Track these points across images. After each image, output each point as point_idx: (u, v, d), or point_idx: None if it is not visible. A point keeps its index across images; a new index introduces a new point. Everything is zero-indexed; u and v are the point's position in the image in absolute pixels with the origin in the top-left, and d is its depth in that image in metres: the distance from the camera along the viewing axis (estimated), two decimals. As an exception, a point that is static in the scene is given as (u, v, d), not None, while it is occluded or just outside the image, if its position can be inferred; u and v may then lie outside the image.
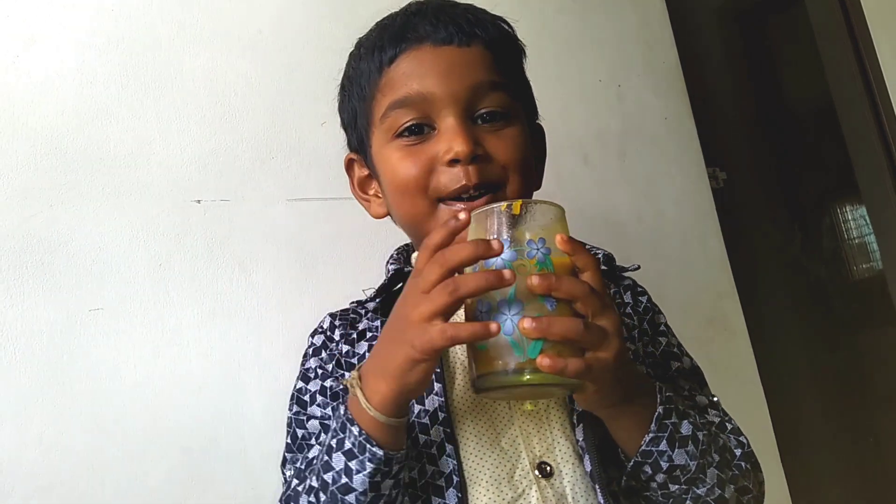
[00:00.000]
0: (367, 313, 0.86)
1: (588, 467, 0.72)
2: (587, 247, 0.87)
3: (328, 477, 0.67)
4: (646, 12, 1.74)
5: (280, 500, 0.78)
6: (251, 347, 1.11)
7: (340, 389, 0.81)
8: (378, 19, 0.87)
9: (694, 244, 1.63)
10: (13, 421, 0.96)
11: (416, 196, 0.79)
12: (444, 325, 0.60)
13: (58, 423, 0.98)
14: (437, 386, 0.76)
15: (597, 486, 0.71)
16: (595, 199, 1.53)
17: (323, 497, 0.68)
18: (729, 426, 0.78)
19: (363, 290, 0.90)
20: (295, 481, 0.76)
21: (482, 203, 0.76)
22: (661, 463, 0.68)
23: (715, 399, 0.83)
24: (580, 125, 1.55)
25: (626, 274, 0.89)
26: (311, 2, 1.30)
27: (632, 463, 0.69)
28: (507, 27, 0.87)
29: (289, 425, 0.83)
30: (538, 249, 0.62)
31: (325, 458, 0.68)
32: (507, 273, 0.60)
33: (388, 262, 0.89)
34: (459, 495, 0.71)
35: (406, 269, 0.85)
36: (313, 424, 0.81)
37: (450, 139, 0.76)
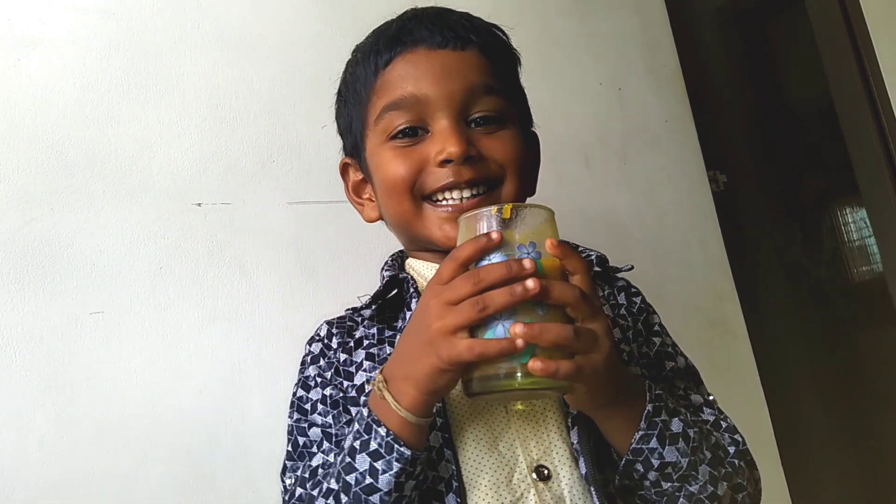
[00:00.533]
0: (363, 321, 0.86)
1: (583, 470, 0.73)
2: (580, 249, 0.87)
3: (350, 478, 0.68)
4: (646, 15, 1.74)
5: None
6: (252, 350, 1.11)
7: (350, 394, 0.81)
8: (379, 23, 0.88)
9: (694, 246, 1.63)
10: (14, 423, 0.96)
11: (403, 195, 0.80)
12: (471, 342, 0.61)
13: (58, 426, 0.98)
14: None
15: (592, 489, 0.71)
16: (596, 202, 1.53)
17: (345, 499, 0.68)
18: (724, 424, 0.78)
19: (358, 297, 0.90)
20: (299, 490, 0.76)
21: (475, 203, 0.77)
22: (653, 460, 0.68)
23: (710, 398, 0.83)
24: (581, 128, 1.55)
25: (620, 275, 0.90)
26: (312, 6, 1.30)
27: (623, 461, 0.70)
28: (502, 35, 0.87)
29: (289, 433, 0.83)
30: (529, 253, 0.63)
31: (347, 459, 0.68)
32: (530, 283, 0.60)
33: (382, 268, 0.89)
34: (459, 500, 0.72)
35: (401, 275, 0.85)
36: (315, 432, 0.81)
37: (443, 140, 0.77)
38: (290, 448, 0.82)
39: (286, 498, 0.79)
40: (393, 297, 0.86)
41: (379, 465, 0.66)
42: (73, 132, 1.07)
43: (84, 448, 0.99)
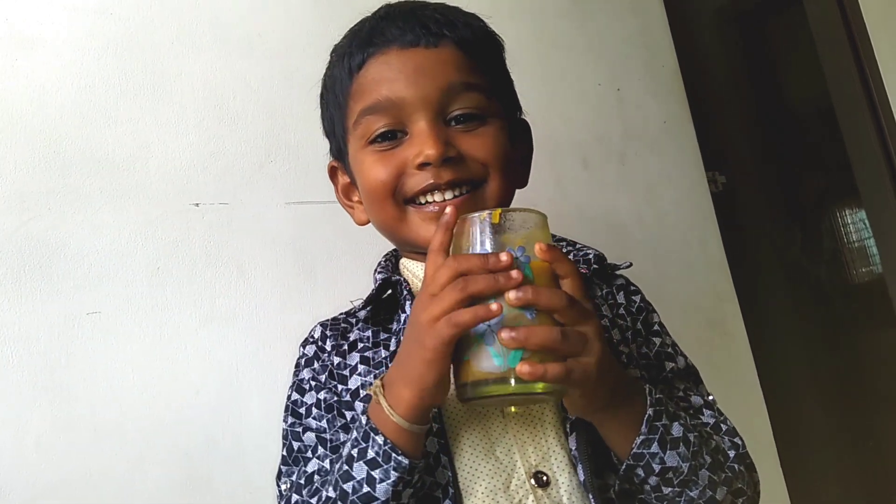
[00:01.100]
0: (357, 322, 0.85)
1: (581, 477, 0.72)
2: (578, 246, 0.86)
3: (348, 487, 0.67)
4: (645, 16, 1.74)
5: None
6: (249, 351, 1.11)
7: (348, 399, 0.80)
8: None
9: (694, 247, 1.63)
10: (11, 424, 0.96)
11: (385, 200, 0.79)
12: (447, 316, 0.61)
13: (55, 426, 0.98)
14: None
15: (590, 496, 0.71)
16: (595, 203, 1.53)
17: None
18: (724, 427, 0.78)
19: (351, 301, 0.90)
20: (295, 496, 0.76)
21: (461, 202, 0.76)
22: (654, 465, 0.68)
23: (710, 398, 0.82)
24: (580, 129, 1.55)
25: (619, 273, 0.89)
26: (309, 5, 1.30)
27: (624, 466, 0.69)
28: (480, 24, 0.85)
29: (284, 437, 0.82)
30: (518, 258, 0.63)
31: (345, 467, 0.68)
32: (514, 273, 0.61)
33: (375, 269, 0.88)
34: None
35: (393, 277, 0.84)
36: (309, 437, 0.80)
37: (420, 143, 0.75)
38: (284, 453, 0.81)
39: (281, 503, 0.78)
40: (387, 299, 0.85)
41: (376, 473, 0.66)
42: (71, 132, 1.07)
43: (81, 448, 0.99)
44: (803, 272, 1.94)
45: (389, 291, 0.85)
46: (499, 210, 0.65)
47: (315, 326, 0.89)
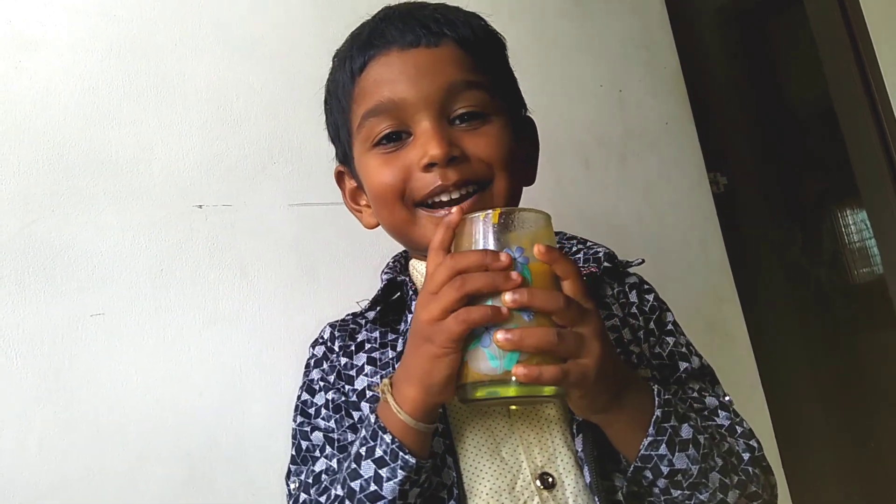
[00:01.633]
0: (366, 323, 0.85)
1: (587, 479, 0.72)
2: (588, 244, 0.86)
3: (355, 485, 0.68)
4: (646, 17, 1.74)
5: None
6: (252, 353, 1.11)
7: (356, 398, 0.80)
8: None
9: (695, 248, 1.63)
10: (14, 425, 0.96)
11: (395, 204, 0.78)
12: (456, 313, 0.61)
13: (58, 427, 0.98)
14: None
15: (596, 499, 0.70)
16: (596, 203, 1.53)
17: None
18: (739, 429, 0.77)
19: (357, 303, 0.90)
20: (303, 495, 0.76)
21: (470, 205, 0.76)
22: (662, 467, 0.67)
23: (727, 399, 0.81)
24: (581, 129, 1.55)
25: (632, 270, 0.88)
26: (313, 8, 1.30)
27: (632, 468, 0.69)
28: (481, 22, 0.84)
29: (294, 437, 0.83)
30: (517, 259, 0.63)
31: (353, 465, 0.68)
32: (514, 274, 0.61)
33: (383, 270, 0.88)
34: None
35: (398, 278, 0.84)
36: (317, 437, 0.80)
37: (424, 144, 0.75)
38: (293, 452, 0.82)
39: (290, 502, 0.79)
40: (396, 300, 0.85)
41: (384, 472, 0.66)
42: (74, 134, 1.07)
43: (84, 449, 0.99)
44: (804, 273, 1.94)
45: (398, 294, 0.85)
46: (497, 210, 0.65)
47: (325, 327, 0.89)
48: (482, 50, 0.82)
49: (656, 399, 0.69)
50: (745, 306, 1.65)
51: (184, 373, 1.06)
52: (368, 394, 0.79)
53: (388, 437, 0.66)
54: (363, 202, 0.88)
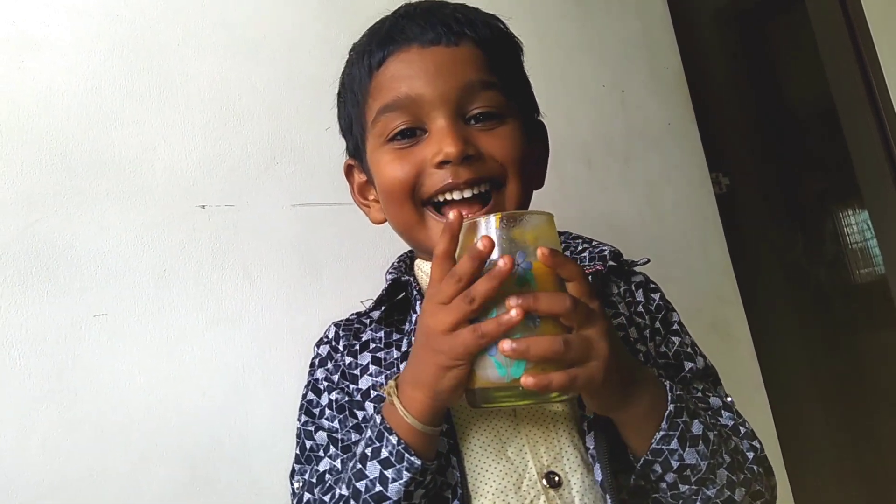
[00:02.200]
0: (370, 323, 0.85)
1: (599, 477, 0.72)
2: (594, 243, 0.86)
3: (361, 485, 0.68)
4: (649, 17, 1.74)
5: None
6: (255, 353, 1.11)
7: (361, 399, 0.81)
8: (378, 23, 0.87)
9: (697, 249, 1.63)
10: (17, 425, 0.96)
11: (404, 201, 0.79)
12: (473, 327, 0.61)
13: (61, 428, 0.98)
14: None
15: (608, 497, 0.71)
16: (598, 204, 1.53)
17: None
18: (742, 430, 0.77)
19: (361, 302, 0.90)
20: (307, 494, 0.76)
21: (479, 209, 0.76)
22: (672, 462, 0.68)
23: (729, 400, 0.82)
24: (584, 130, 1.55)
25: (639, 270, 0.88)
26: (315, 8, 1.30)
27: (641, 461, 0.69)
28: (500, 25, 0.85)
29: (298, 436, 0.83)
30: (519, 264, 0.63)
31: (358, 466, 0.68)
32: (502, 262, 0.61)
33: (387, 271, 0.88)
34: None
35: (403, 278, 0.84)
36: (321, 436, 0.80)
37: (439, 140, 0.75)
38: (297, 451, 0.82)
39: (294, 501, 0.79)
40: (400, 300, 0.85)
41: (389, 473, 0.67)
42: (77, 134, 1.07)
43: (86, 449, 0.99)
44: (805, 272, 1.94)
45: (403, 294, 0.85)
46: (499, 215, 0.65)
47: (329, 326, 0.89)
48: (500, 51, 0.82)
49: (668, 394, 0.69)
50: (747, 306, 1.65)
51: (187, 373, 1.06)
52: (373, 393, 0.79)
53: (394, 439, 0.66)
54: (371, 197, 0.88)
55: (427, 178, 0.77)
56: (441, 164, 0.75)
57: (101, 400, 1.01)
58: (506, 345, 0.60)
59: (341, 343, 0.85)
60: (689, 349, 0.85)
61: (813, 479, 1.70)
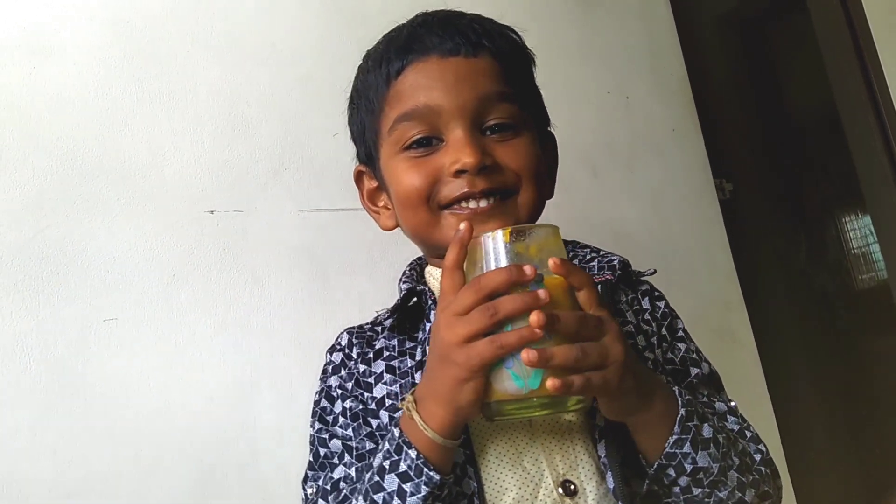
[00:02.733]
0: (383, 331, 0.86)
1: (611, 484, 0.72)
2: (602, 253, 0.87)
3: (378, 498, 0.68)
4: (653, 24, 1.75)
5: None
6: (264, 358, 1.12)
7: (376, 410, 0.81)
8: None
9: (701, 255, 1.63)
10: (28, 431, 0.96)
11: (420, 207, 0.79)
12: (490, 338, 0.62)
13: (72, 433, 0.98)
14: None
15: (620, 503, 0.71)
16: (603, 210, 1.53)
17: None
18: (748, 433, 0.78)
19: (375, 311, 0.91)
20: (321, 501, 0.76)
21: (488, 208, 0.77)
22: (685, 465, 0.68)
23: (733, 404, 0.82)
24: (588, 136, 1.56)
25: (644, 279, 0.89)
26: (323, 15, 1.30)
27: (655, 466, 0.69)
28: (515, 37, 0.86)
29: (311, 443, 0.83)
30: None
31: (376, 478, 0.69)
32: (541, 293, 0.61)
33: (400, 279, 0.88)
34: None
35: (418, 287, 0.84)
36: (336, 444, 0.81)
37: (457, 150, 0.76)
38: (311, 458, 0.82)
39: None
40: (413, 307, 0.85)
41: (407, 487, 0.67)
42: (88, 140, 1.08)
43: (96, 454, 0.99)
44: (808, 278, 1.95)
45: (414, 300, 0.85)
46: (508, 229, 0.66)
47: (342, 333, 0.89)
48: (515, 63, 0.83)
49: (679, 399, 0.70)
50: (751, 312, 1.65)
51: (195, 377, 1.07)
52: (387, 402, 0.79)
53: (413, 453, 0.67)
54: (381, 203, 0.89)
55: (444, 186, 0.78)
56: (458, 174, 0.76)
57: (110, 404, 1.01)
58: (530, 355, 0.60)
59: (354, 351, 0.85)
60: (694, 355, 0.86)
61: (815, 482, 1.70)
